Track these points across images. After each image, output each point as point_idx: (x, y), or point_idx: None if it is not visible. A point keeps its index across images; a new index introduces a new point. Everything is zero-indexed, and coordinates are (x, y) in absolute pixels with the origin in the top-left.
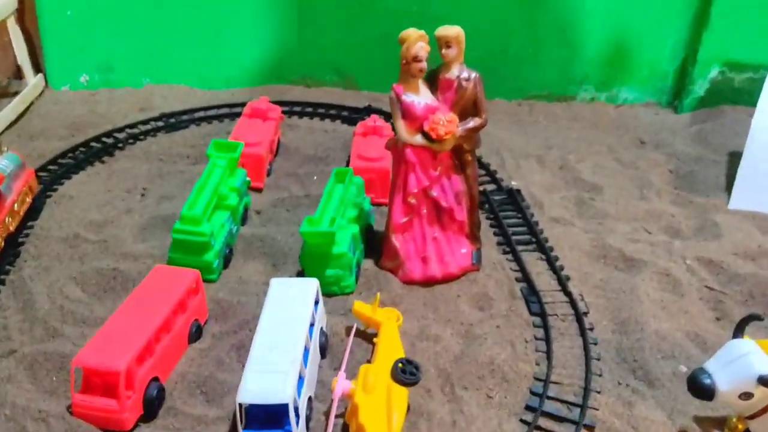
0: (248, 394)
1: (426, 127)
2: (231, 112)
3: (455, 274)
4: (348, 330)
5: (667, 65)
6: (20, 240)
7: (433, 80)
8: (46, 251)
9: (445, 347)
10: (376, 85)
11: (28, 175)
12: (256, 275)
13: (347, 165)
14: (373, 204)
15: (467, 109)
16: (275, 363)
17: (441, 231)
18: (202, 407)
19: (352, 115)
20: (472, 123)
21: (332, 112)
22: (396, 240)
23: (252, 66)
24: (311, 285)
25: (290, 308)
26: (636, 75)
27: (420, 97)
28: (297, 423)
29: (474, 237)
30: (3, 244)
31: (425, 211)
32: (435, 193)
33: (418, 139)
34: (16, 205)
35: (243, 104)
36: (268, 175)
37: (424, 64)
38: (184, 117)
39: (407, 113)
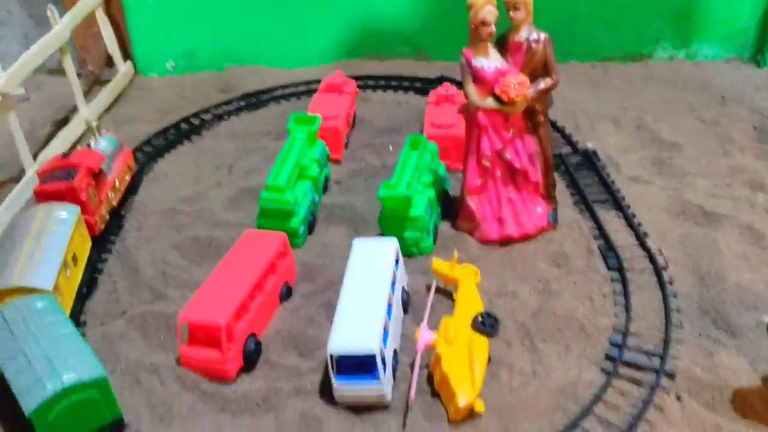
0: (338, 346)
1: (497, 90)
2: (307, 89)
3: (531, 233)
4: (429, 287)
5: (747, 19)
6: (122, 214)
7: (502, 43)
8: (146, 223)
9: (522, 302)
10: (447, 54)
11: (126, 156)
12: (338, 240)
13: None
14: (448, 170)
15: (537, 70)
16: (361, 316)
17: (516, 192)
18: (296, 360)
19: (424, 86)
20: (543, 84)
21: (405, 84)
22: (471, 202)
23: (325, 44)
24: (391, 244)
25: (372, 266)
26: (715, 30)
27: (490, 61)
28: (384, 372)
29: (549, 197)
30: (108, 217)
31: (499, 173)
32: (509, 155)
33: (490, 102)
34: (117, 182)
35: (318, 81)
36: (346, 147)
37: (492, 28)
38: (264, 96)
39: (478, 77)
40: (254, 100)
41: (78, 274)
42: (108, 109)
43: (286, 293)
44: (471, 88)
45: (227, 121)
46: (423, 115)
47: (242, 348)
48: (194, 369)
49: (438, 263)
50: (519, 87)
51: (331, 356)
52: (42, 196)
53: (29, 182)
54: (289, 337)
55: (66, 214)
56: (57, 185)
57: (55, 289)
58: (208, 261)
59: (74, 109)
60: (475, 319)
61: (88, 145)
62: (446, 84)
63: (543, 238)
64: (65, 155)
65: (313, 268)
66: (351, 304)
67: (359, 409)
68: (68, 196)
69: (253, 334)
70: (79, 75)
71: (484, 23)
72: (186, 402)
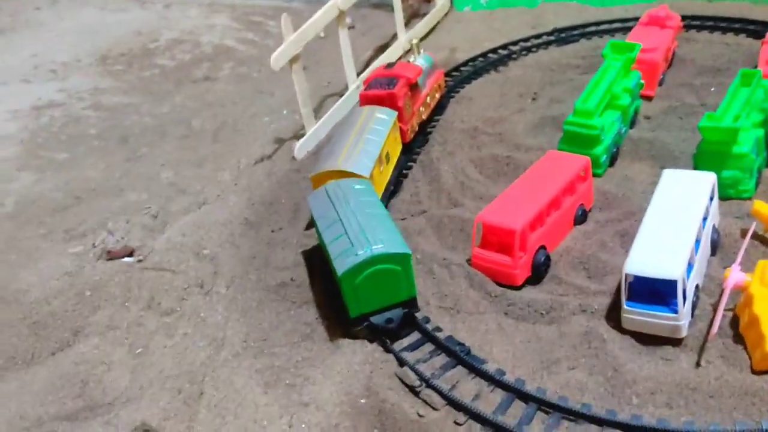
0: (637, 266)
1: None
2: (623, 26)
3: None
4: (743, 231)
5: None
6: (429, 129)
7: None
8: (450, 139)
9: None
10: None
11: (438, 75)
12: (642, 175)
13: None
14: None
15: None
16: (666, 242)
17: None
18: (584, 280)
19: (758, 29)
20: None
21: (736, 25)
22: None
23: None
24: (708, 178)
25: (683, 197)
26: None
27: None
28: (683, 304)
29: None
30: (417, 129)
31: None
32: None
33: None
34: (428, 98)
35: (635, 19)
36: (660, 84)
37: None
38: (575, 32)
39: None
40: (564, 35)
41: (388, 171)
42: (423, 38)
43: (581, 216)
44: None
45: (535, 53)
46: (755, 57)
47: (532, 258)
48: (483, 270)
49: (761, 205)
50: None
51: (626, 277)
52: (365, 100)
53: (351, 96)
54: (579, 258)
55: (385, 116)
56: (379, 92)
57: (370, 178)
58: (504, 179)
59: (393, 37)
60: None
61: (408, 61)
62: None
63: None
64: (388, 66)
65: (612, 198)
66: (656, 228)
67: (648, 338)
68: (388, 101)
69: (544, 247)
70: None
71: None
72: (472, 298)
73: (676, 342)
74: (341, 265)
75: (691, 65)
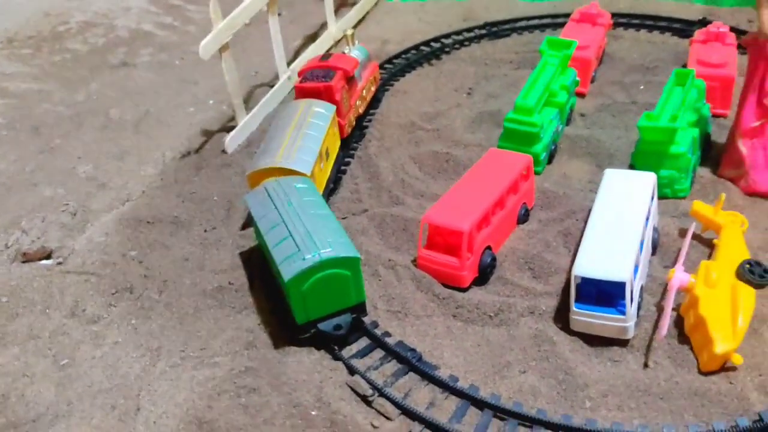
0: (586, 269)
1: None
2: (553, 22)
3: None
4: (682, 231)
5: None
6: (365, 124)
7: None
8: (387, 134)
9: None
10: None
11: (373, 67)
12: (580, 173)
13: None
14: (711, 114)
15: None
16: (613, 244)
17: None
18: (530, 281)
19: (683, 28)
20: None
21: (661, 24)
22: (743, 146)
23: None
24: (648, 178)
25: (626, 198)
26: None
27: None
28: (631, 305)
29: None
30: (354, 123)
31: None
32: None
33: None
34: (364, 91)
35: (565, 15)
36: (592, 81)
37: None
38: (507, 26)
39: None
40: (496, 30)
41: (328, 168)
42: (353, 29)
43: (524, 216)
44: (766, 14)
45: (468, 47)
46: (681, 55)
47: (479, 259)
48: (429, 272)
49: (699, 205)
50: None
51: (575, 278)
52: (301, 93)
53: (282, 86)
54: (524, 258)
55: (323, 110)
56: (315, 84)
57: (311, 176)
58: (445, 176)
59: (322, 26)
60: (741, 266)
61: (343, 52)
62: (718, 23)
63: None
64: (323, 57)
65: (553, 197)
66: (601, 230)
67: (595, 339)
68: (325, 95)
69: (489, 248)
70: None
71: None
72: (420, 301)
73: (623, 343)
74: (288, 270)
75: (621, 63)
